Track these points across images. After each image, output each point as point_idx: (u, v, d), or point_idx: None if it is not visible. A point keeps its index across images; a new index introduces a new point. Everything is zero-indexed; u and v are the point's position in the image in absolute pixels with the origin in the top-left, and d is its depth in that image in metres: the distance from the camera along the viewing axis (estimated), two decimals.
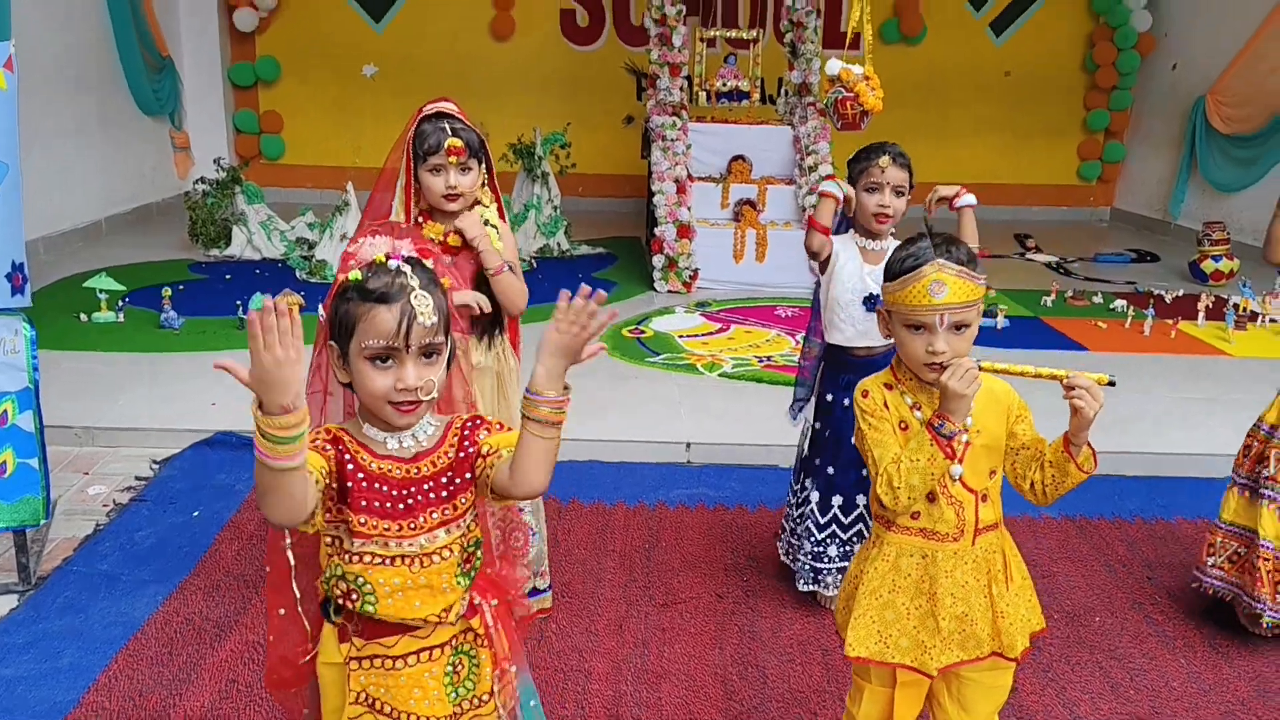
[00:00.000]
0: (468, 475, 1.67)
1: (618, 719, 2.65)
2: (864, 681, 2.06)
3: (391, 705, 1.67)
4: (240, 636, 2.93)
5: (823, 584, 3.11)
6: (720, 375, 5.22)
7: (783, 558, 3.30)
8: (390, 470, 1.63)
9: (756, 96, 7.73)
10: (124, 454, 4.12)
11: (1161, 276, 8.01)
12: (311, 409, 1.58)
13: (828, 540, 3.09)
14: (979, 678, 1.99)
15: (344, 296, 1.60)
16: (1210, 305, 6.51)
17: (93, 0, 7.97)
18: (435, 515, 1.65)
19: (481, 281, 2.70)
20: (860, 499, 3.05)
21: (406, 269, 1.59)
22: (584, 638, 2.98)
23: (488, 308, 2.68)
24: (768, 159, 7.35)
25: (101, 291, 5.77)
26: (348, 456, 1.62)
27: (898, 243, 2.20)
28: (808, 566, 3.12)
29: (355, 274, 1.60)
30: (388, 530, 1.62)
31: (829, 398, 3.09)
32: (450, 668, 1.70)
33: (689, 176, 7.16)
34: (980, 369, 1.79)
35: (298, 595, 1.78)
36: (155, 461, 4.06)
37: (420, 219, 2.64)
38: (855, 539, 3.06)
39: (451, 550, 1.67)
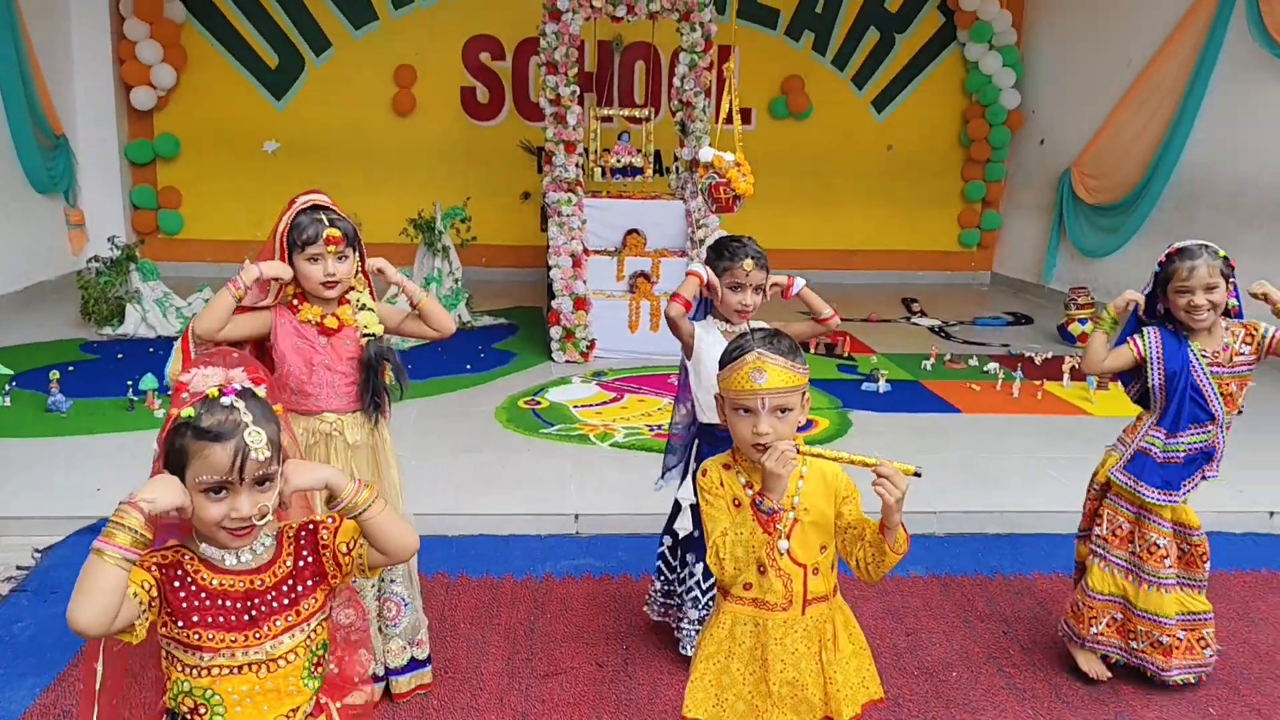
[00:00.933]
0: (310, 581, 1.75)
1: None
2: None
3: None
4: None
5: None
6: (611, 445, 5.37)
7: (655, 619, 3.45)
8: (232, 585, 1.69)
9: (650, 171, 8.03)
10: (5, 543, 4.07)
11: (1034, 338, 8.50)
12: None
13: (710, 606, 3.23)
14: None
15: (178, 432, 1.63)
16: (1075, 367, 6.92)
17: None
18: (279, 623, 1.72)
19: (364, 365, 2.83)
20: None
21: (240, 405, 1.63)
22: (465, 713, 3.06)
23: (288, 275, 2.74)
24: (661, 232, 7.62)
25: None
26: (189, 578, 1.68)
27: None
28: (693, 632, 3.26)
29: (189, 411, 1.63)
30: (234, 642, 1.67)
31: None
32: None
33: (585, 250, 7.38)
34: (799, 453, 1.99)
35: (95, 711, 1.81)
36: (37, 550, 4.02)
37: (296, 300, 2.79)
38: None
39: (298, 654, 1.73)
